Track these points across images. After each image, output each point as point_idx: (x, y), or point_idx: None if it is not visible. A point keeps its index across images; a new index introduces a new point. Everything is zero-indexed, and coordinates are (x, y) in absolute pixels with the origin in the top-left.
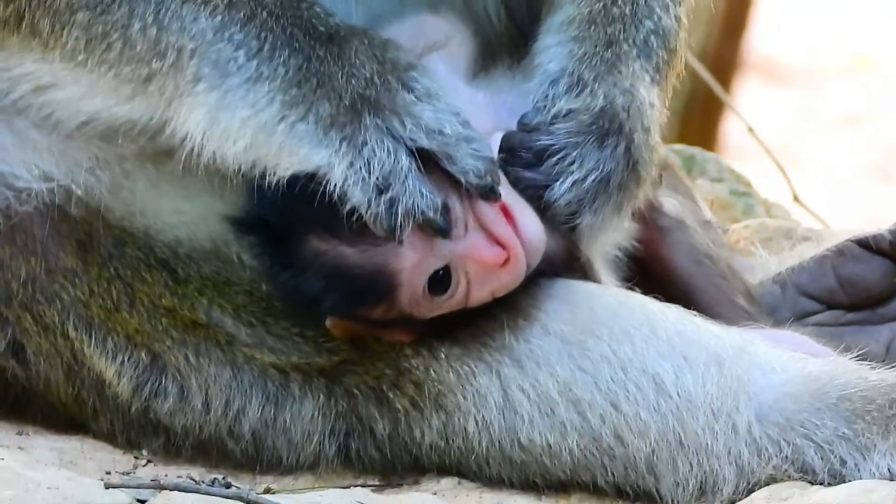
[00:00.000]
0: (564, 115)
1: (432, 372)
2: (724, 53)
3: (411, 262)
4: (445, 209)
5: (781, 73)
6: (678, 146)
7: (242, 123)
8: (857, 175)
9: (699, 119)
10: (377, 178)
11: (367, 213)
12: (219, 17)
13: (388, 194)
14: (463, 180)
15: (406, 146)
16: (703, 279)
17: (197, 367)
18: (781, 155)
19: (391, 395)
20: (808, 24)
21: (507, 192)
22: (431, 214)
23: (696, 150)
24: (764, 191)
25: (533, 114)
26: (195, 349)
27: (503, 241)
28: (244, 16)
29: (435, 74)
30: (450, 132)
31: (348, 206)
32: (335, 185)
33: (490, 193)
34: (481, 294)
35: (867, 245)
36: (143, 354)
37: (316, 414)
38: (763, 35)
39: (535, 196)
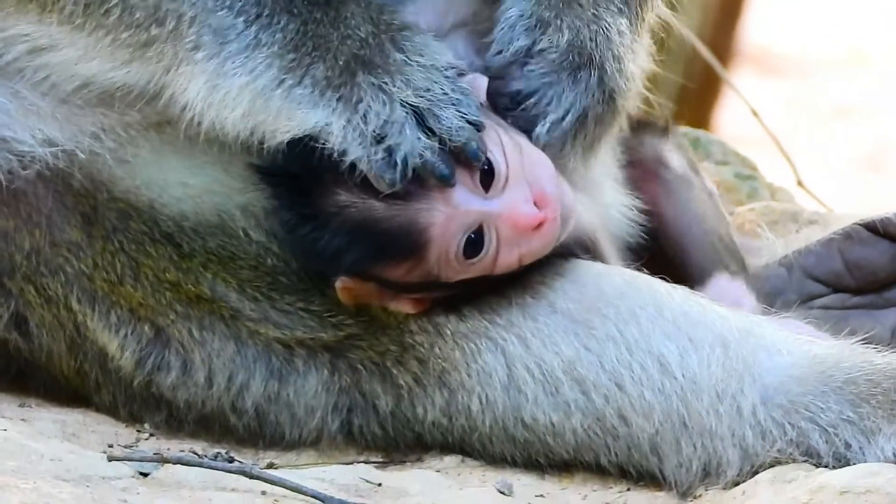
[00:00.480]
0: (534, 56)
1: (437, 349)
2: (718, 43)
3: (444, 217)
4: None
5: (775, 64)
6: (683, 128)
7: (241, 90)
8: (849, 166)
9: (697, 104)
10: (374, 130)
11: (366, 166)
12: None
13: (386, 143)
14: (446, 140)
15: (400, 101)
16: (699, 239)
17: (200, 341)
18: (774, 145)
19: (395, 372)
20: (802, 16)
21: (542, 156)
22: (430, 156)
23: (701, 133)
24: (765, 176)
25: (496, 59)
26: (199, 323)
27: (542, 202)
28: None
29: (429, 36)
30: (438, 91)
31: (349, 161)
32: (334, 142)
33: (472, 156)
34: (510, 258)
35: (875, 229)
36: (146, 328)
37: (319, 389)
38: (757, 25)
39: None
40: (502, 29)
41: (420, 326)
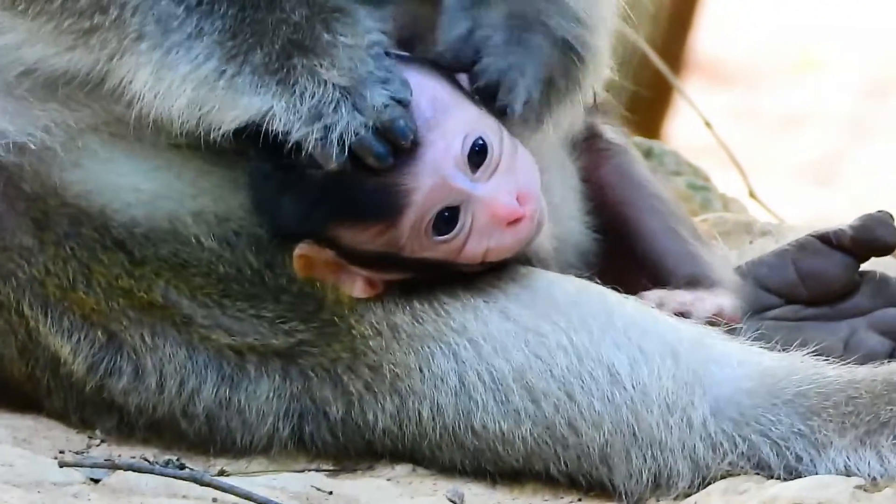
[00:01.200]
0: (479, 40)
1: (391, 353)
2: (669, 53)
3: (430, 184)
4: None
5: (725, 74)
6: (636, 138)
7: (184, 80)
8: (799, 176)
9: (649, 114)
10: (309, 110)
11: (308, 145)
12: None
13: (322, 122)
14: (373, 118)
15: (330, 82)
16: (643, 204)
17: (152, 346)
18: (725, 156)
19: (346, 378)
20: (751, 26)
21: (532, 160)
22: (364, 134)
23: (654, 143)
24: (718, 186)
25: (448, 50)
26: (151, 329)
27: (524, 199)
28: None
29: (365, 16)
30: (362, 71)
31: (293, 141)
32: (278, 125)
33: (400, 133)
34: (477, 248)
35: (828, 240)
36: (98, 333)
37: (271, 395)
38: (706, 35)
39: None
40: (443, 22)
41: (374, 329)
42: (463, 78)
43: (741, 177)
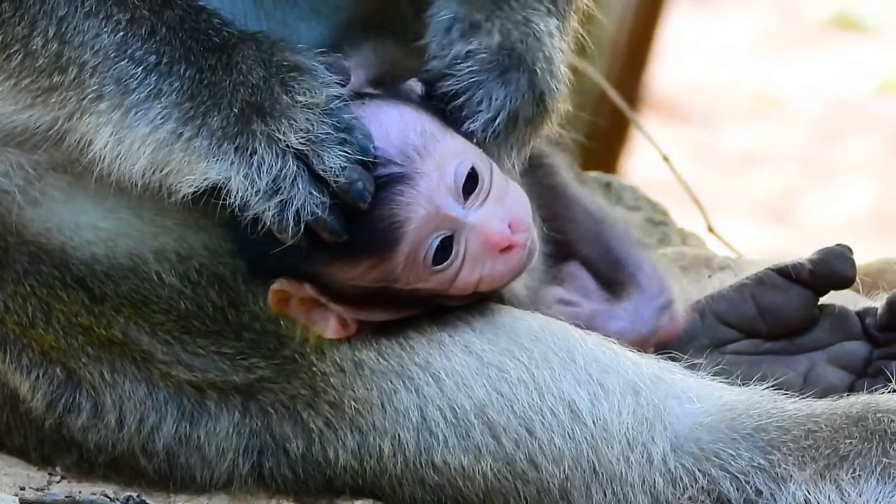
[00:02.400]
0: (464, 57)
1: (353, 390)
2: (626, 89)
3: (424, 214)
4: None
5: (681, 111)
6: (594, 173)
7: (143, 141)
8: (754, 213)
9: (607, 149)
10: (267, 184)
11: (265, 220)
12: (120, 34)
13: (279, 197)
14: (330, 181)
15: (289, 150)
16: (572, 216)
17: (112, 383)
18: (683, 191)
19: (305, 416)
20: (709, 63)
21: (522, 192)
22: (321, 214)
23: (613, 178)
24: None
25: (433, 64)
26: (110, 366)
27: (516, 227)
28: (145, 32)
29: (323, 70)
30: (319, 133)
31: (251, 215)
32: (234, 198)
33: (357, 197)
34: (470, 277)
35: (787, 274)
36: (58, 370)
37: (231, 431)
38: (663, 72)
39: None
40: (436, 34)
41: (337, 366)
42: (412, 85)
43: (699, 211)
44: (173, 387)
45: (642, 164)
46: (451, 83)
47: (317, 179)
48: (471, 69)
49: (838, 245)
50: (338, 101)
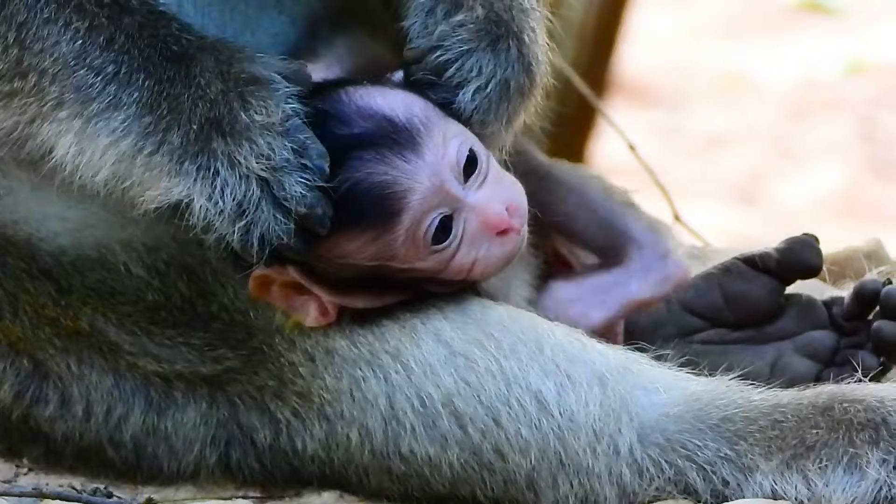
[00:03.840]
0: (451, 30)
1: (321, 378)
2: (593, 74)
3: (426, 186)
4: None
5: (649, 95)
6: (560, 162)
7: (104, 152)
8: (722, 196)
9: (571, 138)
10: (231, 209)
11: (231, 242)
12: (79, 42)
13: (244, 220)
14: (291, 209)
15: (251, 174)
16: (562, 185)
17: (79, 374)
18: (650, 178)
19: (272, 406)
20: (675, 46)
21: (517, 181)
22: (286, 239)
23: (580, 167)
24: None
25: (419, 41)
26: (77, 357)
27: (513, 211)
28: (103, 40)
29: (282, 82)
30: (280, 159)
31: (214, 237)
32: (198, 219)
33: (318, 223)
34: (465, 260)
35: (754, 263)
36: (24, 361)
37: (198, 421)
38: (630, 56)
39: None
40: (418, 16)
41: (307, 355)
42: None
43: (666, 201)
44: (140, 378)
45: (609, 150)
46: (440, 53)
47: (279, 205)
48: (460, 38)
49: (805, 234)
50: (295, 117)
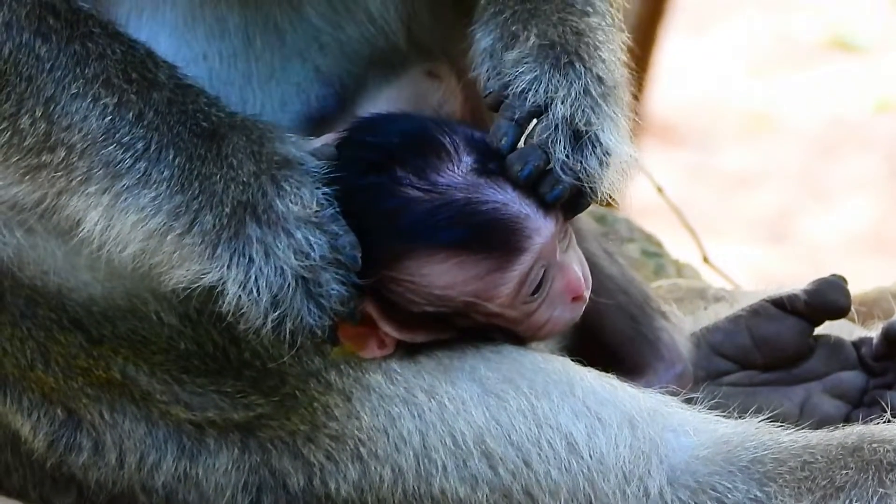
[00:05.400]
0: (513, 64)
1: (357, 418)
2: None
3: (549, 231)
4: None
5: (678, 134)
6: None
7: (133, 229)
8: (751, 234)
9: None
10: (266, 300)
11: (262, 331)
12: (108, 118)
13: (276, 313)
14: (327, 305)
15: (288, 268)
16: (608, 280)
17: (111, 422)
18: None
19: (305, 450)
20: (704, 85)
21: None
22: (320, 333)
23: (606, 211)
24: (671, 251)
25: (490, 84)
26: (110, 405)
27: (586, 278)
28: (133, 116)
29: (312, 162)
30: (317, 257)
31: (244, 325)
32: (230, 304)
33: (346, 320)
34: (542, 316)
35: (782, 305)
36: (58, 411)
37: (230, 467)
38: (659, 95)
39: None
40: (483, 60)
41: (344, 394)
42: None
43: (695, 242)
44: (173, 425)
45: (638, 190)
46: (513, 86)
47: (314, 300)
48: (524, 70)
49: (833, 275)
50: (328, 207)
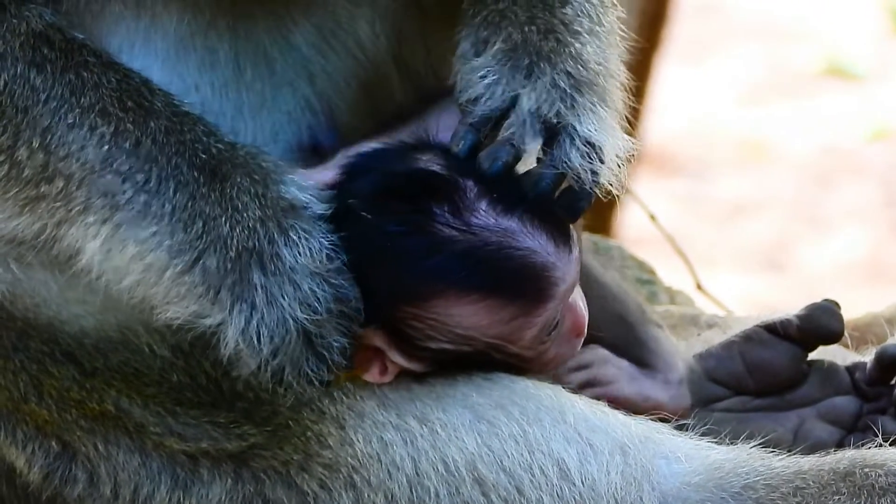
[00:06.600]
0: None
1: (350, 445)
2: None
3: (572, 279)
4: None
5: (671, 162)
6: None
7: (132, 261)
8: (746, 263)
9: (594, 208)
10: (266, 349)
11: (259, 376)
12: (105, 147)
13: (276, 361)
14: (327, 358)
15: (291, 318)
16: (605, 290)
17: (106, 454)
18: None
19: (298, 480)
20: (699, 113)
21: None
22: (317, 384)
23: (598, 238)
24: (664, 279)
25: (461, 93)
26: (104, 438)
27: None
28: (130, 145)
29: (316, 204)
30: (321, 309)
31: (241, 370)
32: (227, 348)
33: (347, 369)
34: (551, 353)
35: (775, 330)
36: (53, 443)
37: (223, 498)
38: (653, 124)
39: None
40: (462, 69)
41: (337, 422)
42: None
43: (688, 269)
44: (166, 456)
45: (631, 218)
46: (471, 92)
47: (315, 352)
48: (483, 75)
49: (825, 300)
50: (336, 259)
